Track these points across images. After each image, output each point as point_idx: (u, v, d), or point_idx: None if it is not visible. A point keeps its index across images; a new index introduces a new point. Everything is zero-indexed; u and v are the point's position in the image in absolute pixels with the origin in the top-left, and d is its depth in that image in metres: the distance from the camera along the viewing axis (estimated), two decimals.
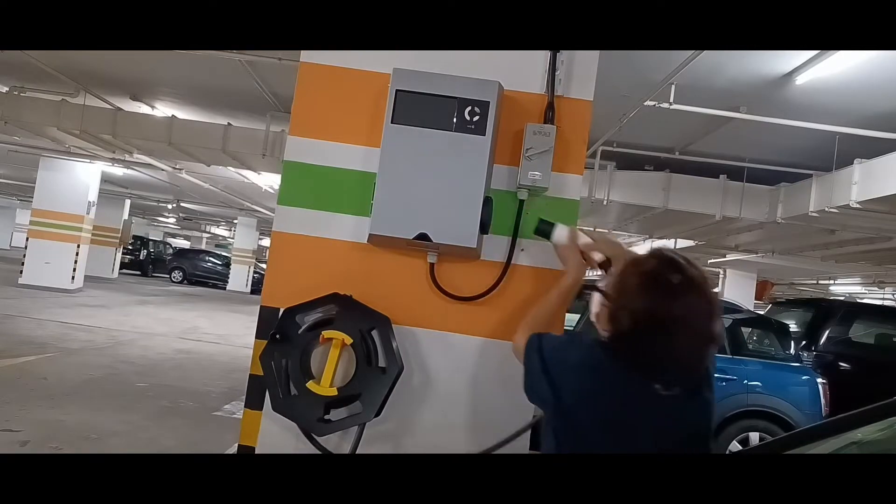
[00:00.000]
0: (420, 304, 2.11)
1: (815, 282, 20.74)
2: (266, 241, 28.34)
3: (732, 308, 7.08)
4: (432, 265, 2.10)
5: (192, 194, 18.75)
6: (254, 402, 2.12)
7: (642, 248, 15.22)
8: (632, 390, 1.40)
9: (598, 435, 1.41)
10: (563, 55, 2.12)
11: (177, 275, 26.81)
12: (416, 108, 1.99)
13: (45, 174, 15.10)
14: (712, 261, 15.74)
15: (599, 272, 1.80)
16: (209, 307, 16.98)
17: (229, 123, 9.98)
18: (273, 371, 2.00)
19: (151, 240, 30.29)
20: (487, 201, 1.99)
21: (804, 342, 8.11)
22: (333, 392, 1.94)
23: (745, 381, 5.93)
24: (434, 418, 2.10)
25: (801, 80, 5.84)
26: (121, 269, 22.56)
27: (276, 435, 2.07)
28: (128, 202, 21.85)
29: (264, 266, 22.15)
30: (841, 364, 8.01)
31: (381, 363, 2.01)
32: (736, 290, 15.83)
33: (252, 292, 24.82)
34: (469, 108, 1.98)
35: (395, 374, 1.99)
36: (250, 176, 12.68)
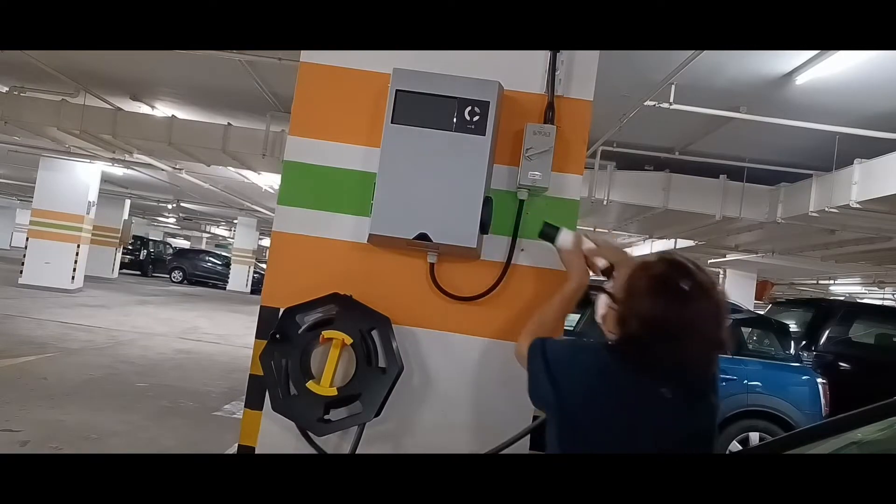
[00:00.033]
0: (420, 304, 2.11)
1: (815, 282, 20.75)
2: (266, 241, 28.33)
3: (732, 308, 7.08)
4: (432, 265, 2.10)
5: (192, 194, 18.75)
6: (254, 402, 2.12)
7: (642, 248, 15.24)
8: (638, 393, 1.40)
9: (603, 438, 1.41)
10: (563, 55, 2.12)
11: (177, 275, 26.81)
12: (416, 108, 1.99)
13: (45, 174, 15.11)
14: (712, 261, 15.74)
15: (602, 278, 1.80)
16: (209, 307, 16.98)
17: (229, 123, 9.98)
18: (273, 371, 2.00)
19: (151, 240, 30.29)
20: (487, 201, 1.99)
21: (804, 342, 8.10)
22: (333, 392, 1.94)
23: (745, 381, 5.92)
24: (434, 418, 2.10)
25: (801, 80, 5.84)
26: (121, 269, 22.56)
27: (276, 435, 2.07)
28: (128, 202, 21.86)
29: (264, 266, 22.14)
30: (841, 364, 8.00)
31: (381, 363, 2.01)
32: (736, 290, 15.81)
33: (252, 292, 24.81)
34: (469, 108, 1.98)
35: (395, 374, 1.99)
36: (250, 176, 12.68)
